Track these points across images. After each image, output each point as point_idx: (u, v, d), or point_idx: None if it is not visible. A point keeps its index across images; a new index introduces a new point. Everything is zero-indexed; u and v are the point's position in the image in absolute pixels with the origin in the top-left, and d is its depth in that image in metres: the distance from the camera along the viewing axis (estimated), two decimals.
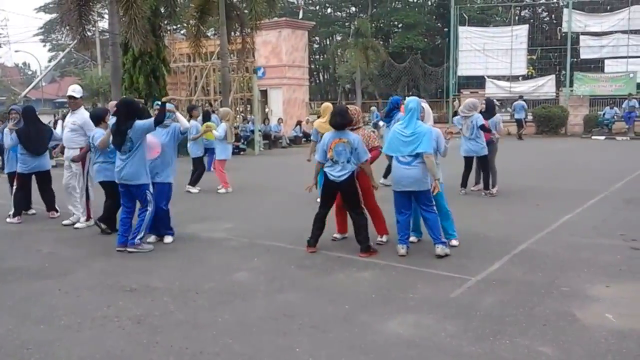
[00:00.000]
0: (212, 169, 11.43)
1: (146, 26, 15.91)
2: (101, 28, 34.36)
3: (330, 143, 5.97)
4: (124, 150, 6.11)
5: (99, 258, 6.09)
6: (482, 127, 9.23)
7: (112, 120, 6.57)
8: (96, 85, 33.78)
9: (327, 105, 8.16)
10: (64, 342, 3.92)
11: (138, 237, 6.19)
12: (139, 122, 6.13)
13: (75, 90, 7.89)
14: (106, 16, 23.11)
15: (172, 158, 6.72)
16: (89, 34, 17.30)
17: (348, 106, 6.68)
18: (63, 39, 45.80)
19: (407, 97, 6.37)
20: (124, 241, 6.25)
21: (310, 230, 6.21)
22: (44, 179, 8.31)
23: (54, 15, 43.01)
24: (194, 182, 10.68)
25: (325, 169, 6.06)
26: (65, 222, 7.77)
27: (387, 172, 10.84)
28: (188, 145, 11.04)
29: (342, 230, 6.69)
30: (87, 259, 6.07)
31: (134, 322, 4.26)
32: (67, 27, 16.60)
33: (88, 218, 7.64)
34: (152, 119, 6.19)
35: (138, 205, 6.36)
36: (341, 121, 5.94)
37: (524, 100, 24.53)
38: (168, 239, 6.67)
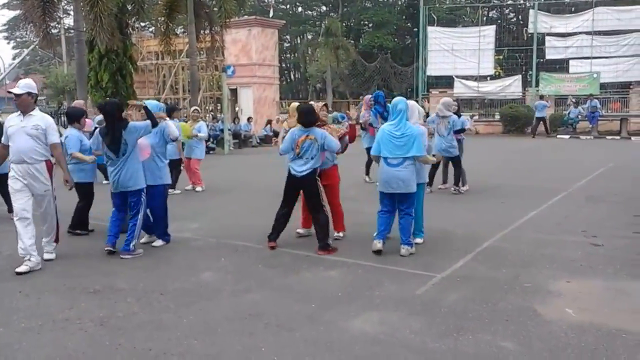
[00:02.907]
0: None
1: (112, 23, 15.67)
2: (66, 25, 33.73)
3: (297, 140, 6.02)
4: (120, 154, 5.89)
5: (62, 260, 5.97)
6: (462, 130, 9.48)
7: (93, 122, 6.37)
8: (62, 83, 33.13)
9: (295, 105, 8.08)
10: (24, 345, 3.84)
11: (132, 243, 5.99)
12: (134, 124, 5.94)
13: (23, 85, 5.65)
14: (72, 13, 22.69)
15: (162, 159, 6.53)
16: (54, 31, 16.98)
17: (311, 102, 6.83)
18: (27, 36, 44.93)
19: (395, 97, 6.40)
20: (114, 242, 6.09)
21: (279, 229, 6.26)
22: (1, 180, 8.10)
23: (17, 12, 42.02)
24: (172, 184, 10.54)
25: (289, 163, 6.12)
26: (20, 269, 5.48)
27: (368, 168, 10.97)
28: (168, 146, 10.88)
29: (306, 225, 6.72)
30: (50, 261, 5.93)
31: (97, 323, 4.19)
32: (31, 24, 16.25)
33: (57, 240, 6.07)
34: (148, 121, 5.99)
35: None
36: (309, 119, 6.03)
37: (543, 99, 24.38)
38: (158, 242, 6.48)
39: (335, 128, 6.46)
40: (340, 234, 6.63)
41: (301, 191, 6.22)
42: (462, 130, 9.75)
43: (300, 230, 6.74)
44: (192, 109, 11.94)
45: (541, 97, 24.54)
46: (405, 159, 5.76)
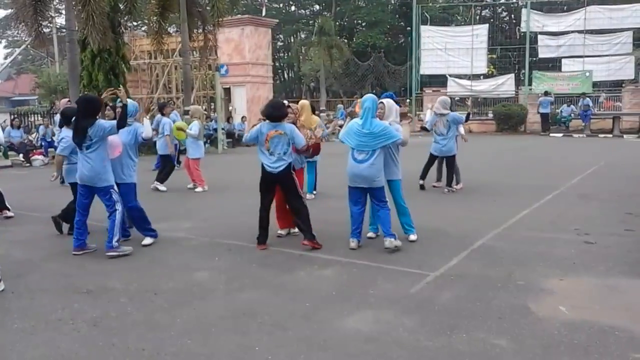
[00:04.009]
0: (182, 166, 11.37)
1: (105, 22, 15.60)
2: (58, 24, 33.56)
3: (266, 134, 6.06)
4: (84, 147, 5.93)
5: (54, 259, 5.96)
6: (467, 119, 9.68)
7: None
8: (54, 83, 32.89)
9: (303, 104, 7.86)
10: (17, 346, 3.82)
11: (115, 240, 5.98)
12: (101, 122, 5.97)
13: None
14: (63, 12, 22.57)
15: (133, 158, 6.57)
16: (46, 30, 16.89)
17: (291, 104, 6.90)
18: (19, 35, 44.62)
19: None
20: (80, 245, 6.10)
21: (266, 229, 6.31)
22: None
23: (9, 11, 41.76)
24: (162, 179, 10.54)
25: (263, 161, 6.15)
26: None
27: None
28: (157, 142, 10.87)
29: (283, 225, 6.77)
30: (42, 261, 5.92)
31: (90, 324, 4.18)
32: (23, 24, 16.16)
33: None
34: (115, 121, 6.01)
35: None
36: (276, 113, 6.09)
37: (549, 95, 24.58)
38: (147, 240, 6.46)
39: (306, 133, 6.52)
40: (283, 232, 6.76)
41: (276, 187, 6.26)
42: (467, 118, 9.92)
43: (281, 232, 6.77)
44: (192, 107, 12.00)
45: (545, 94, 24.64)
46: (371, 155, 5.84)
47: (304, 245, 6.09)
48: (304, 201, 6.27)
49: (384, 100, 6.30)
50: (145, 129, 6.58)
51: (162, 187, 10.44)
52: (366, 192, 6.07)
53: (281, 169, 6.05)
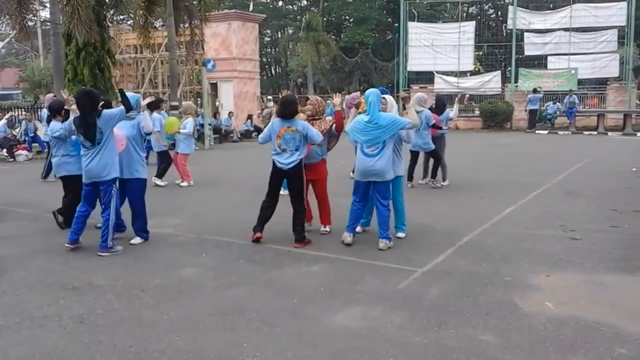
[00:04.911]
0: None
1: (90, 16, 15.40)
2: (43, 17, 33.16)
3: (278, 131, 6.02)
4: (97, 142, 5.76)
5: (40, 256, 5.89)
6: (434, 126, 9.43)
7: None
8: (38, 77, 32.56)
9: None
10: (1, 343, 3.77)
11: (109, 239, 5.87)
12: (107, 111, 5.85)
13: None
14: (48, 5, 22.29)
15: (140, 152, 6.39)
16: (30, 23, 16.67)
17: (309, 96, 6.90)
18: (3, 28, 44.04)
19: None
20: (75, 239, 6.01)
21: (264, 221, 6.29)
22: None
23: None
24: (160, 174, 10.48)
25: (274, 157, 6.12)
26: None
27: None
28: (151, 138, 10.78)
29: (326, 222, 6.73)
30: (28, 257, 5.85)
31: (76, 321, 4.14)
32: (7, 17, 15.93)
33: None
34: (122, 107, 5.89)
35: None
36: (289, 110, 6.05)
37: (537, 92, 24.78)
38: (136, 240, 6.33)
39: (319, 124, 6.46)
40: (327, 228, 6.63)
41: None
42: (439, 128, 9.74)
43: (325, 229, 6.67)
44: (185, 103, 11.95)
45: (534, 91, 24.82)
46: (382, 148, 5.82)
47: (296, 247, 6.02)
48: (305, 202, 6.24)
49: (386, 96, 6.32)
50: (145, 122, 6.37)
51: (161, 182, 10.40)
52: (371, 187, 6.03)
53: (292, 165, 6.01)
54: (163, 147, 10.58)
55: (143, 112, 6.44)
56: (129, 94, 6.37)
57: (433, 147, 9.63)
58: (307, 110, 6.44)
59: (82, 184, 6.07)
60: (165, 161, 10.60)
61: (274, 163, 6.12)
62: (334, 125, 6.47)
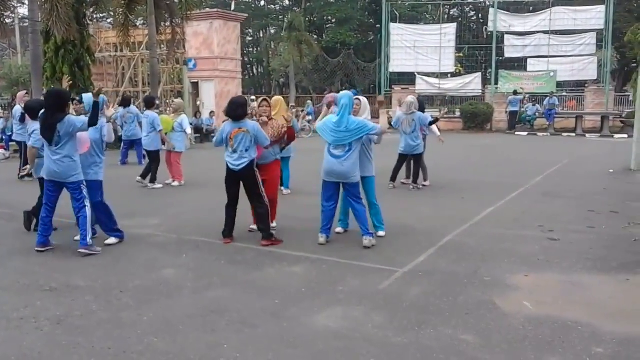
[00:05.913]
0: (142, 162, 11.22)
1: (69, 13, 15.26)
2: (21, 15, 32.64)
3: (230, 133, 6.09)
4: (53, 143, 5.73)
5: (16, 257, 5.80)
6: (433, 122, 9.67)
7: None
8: (16, 75, 32.04)
9: (278, 99, 7.86)
10: None
11: (88, 236, 5.81)
12: (71, 118, 5.79)
13: None
14: (26, 2, 21.97)
15: (99, 155, 6.33)
16: (8, 20, 16.42)
17: (266, 97, 7.04)
18: None
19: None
20: (44, 241, 5.94)
21: (232, 223, 6.36)
22: None
23: None
24: (146, 175, 10.33)
25: (226, 158, 6.20)
26: None
27: None
28: (145, 138, 10.65)
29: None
30: (3, 258, 5.76)
31: (53, 322, 4.08)
32: None
33: None
34: (87, 119, 5.83)
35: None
36: (238, 113, 6.13)
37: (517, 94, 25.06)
38: (111, 240, 6.25)
39: (277, 126, 6.57)
40: (274, 224, 6.73)
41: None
42: (437, 120, 10.11)
43: (253, 226, 6.72)
44: (177, 100, 11.90)
45: (515, 93, 25.08)
46: (348, 150, 5.89)
47: (264, 245, 6.07)
48: (265, 200, 6.24)
49: (360, 98, 6.38)
50: (108, 133, 6.36)
51: (157, 185, 10.29)
52: (339, 187, 6.10)
53: (242, 166, 6.07)
54: (157, 147, 10.45)
55: (107, 123, 6.40)
56: (87, 95, 6.28)
57: (422, 150, 9.73)
58: (264, 113, 6.57)
59: (44, 182, 6.01)
60: (155, 162, 10.45)
61: (227, 165, 6.19)
62: (286, 136, 6.70)
